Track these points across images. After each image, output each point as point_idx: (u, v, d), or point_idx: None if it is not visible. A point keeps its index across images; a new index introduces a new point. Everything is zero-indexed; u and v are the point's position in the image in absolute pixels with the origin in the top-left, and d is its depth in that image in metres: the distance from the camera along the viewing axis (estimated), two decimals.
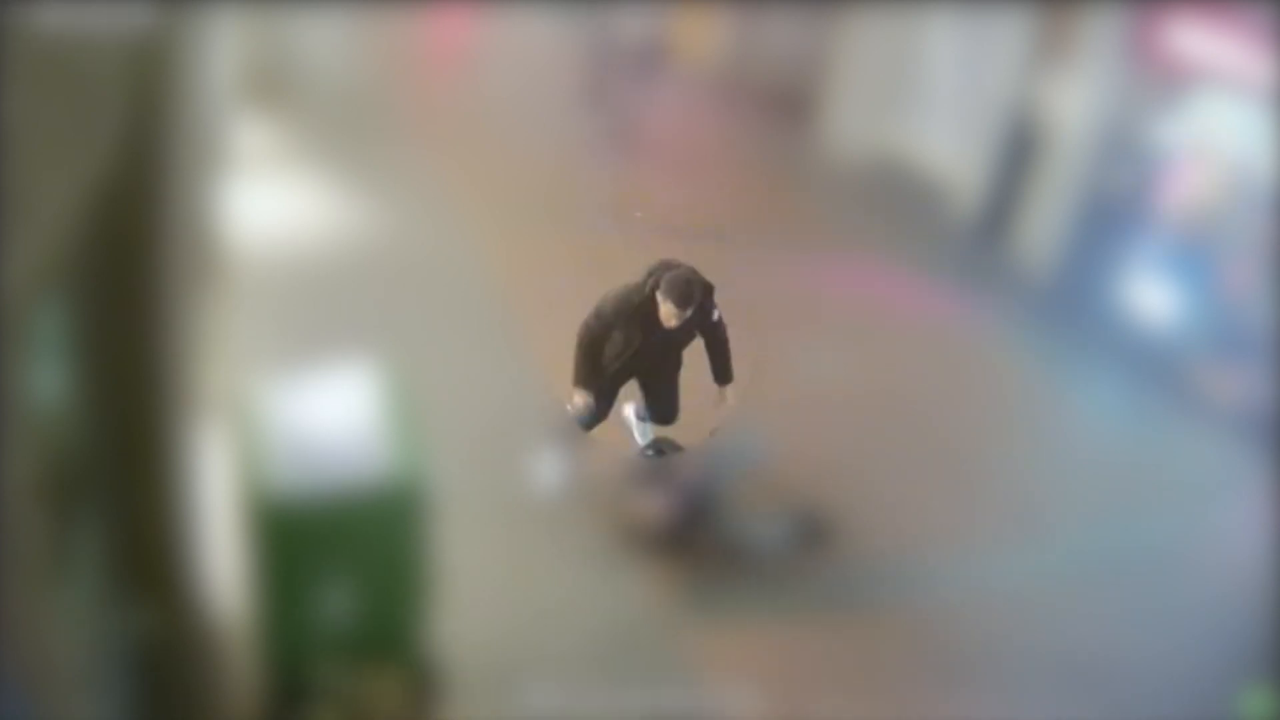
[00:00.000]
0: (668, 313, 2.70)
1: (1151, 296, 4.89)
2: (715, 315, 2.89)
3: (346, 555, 1.90)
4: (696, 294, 2.73)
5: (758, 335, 3.96)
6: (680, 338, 2.86)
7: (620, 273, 4.19)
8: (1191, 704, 2.76)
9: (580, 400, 2.79)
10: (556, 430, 3.20)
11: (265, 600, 1.88)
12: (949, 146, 5.80)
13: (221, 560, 2.41)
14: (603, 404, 2.88)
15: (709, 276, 4.32)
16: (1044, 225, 5.30)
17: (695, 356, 3.22)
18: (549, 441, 3.19)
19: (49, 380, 0.86)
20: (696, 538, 3.06)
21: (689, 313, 2.70)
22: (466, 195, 4.99)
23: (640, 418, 3.18)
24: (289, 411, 1.99)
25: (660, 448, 3.07)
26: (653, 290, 2.71)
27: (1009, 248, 5.26)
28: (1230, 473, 3.86)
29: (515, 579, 2.68)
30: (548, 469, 3.13)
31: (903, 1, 6.02)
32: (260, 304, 3.58)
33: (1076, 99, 5.31)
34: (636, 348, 2.81)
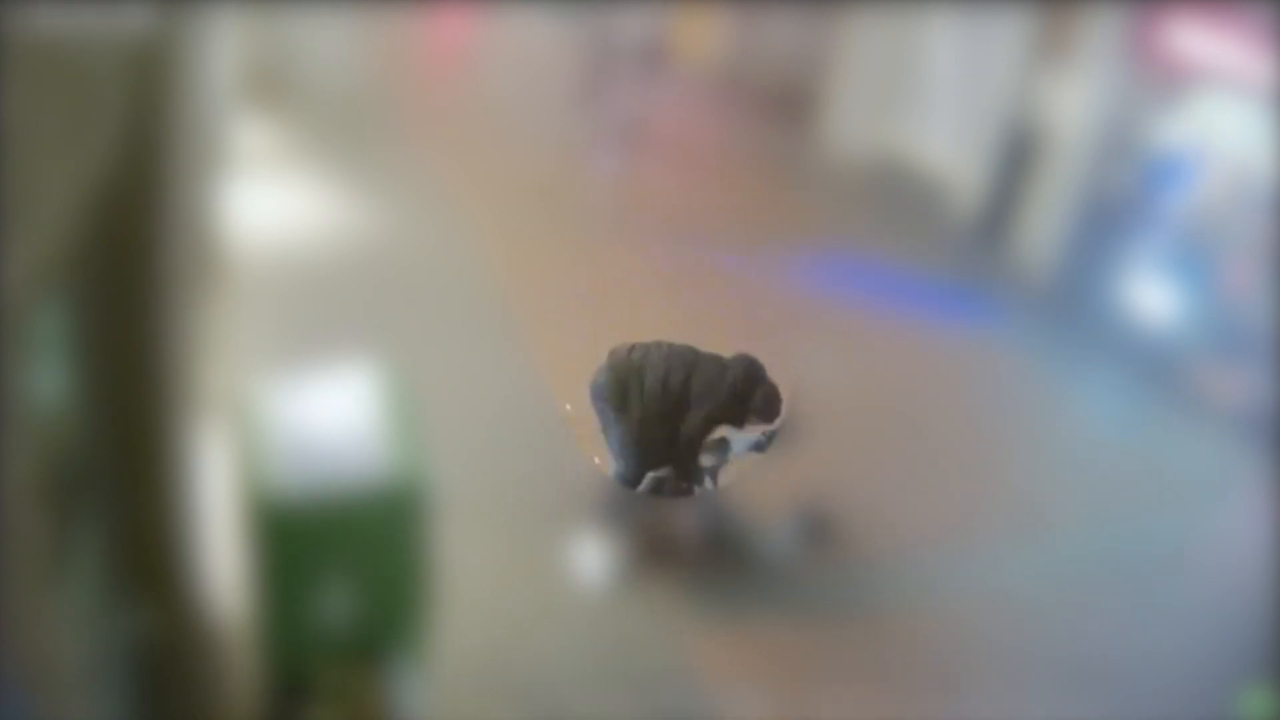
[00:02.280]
0: (751, 425, 2.56)
1: (1151, 296, 4.89)
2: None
3: (346, 555, 1.90)
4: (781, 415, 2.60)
5: (758, 335, 3.95)
6: None
7: (620, 273, 4.19)
8: (1191, 704, 2.76)
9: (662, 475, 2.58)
10: (600, 512, 2.90)
11: (265, 600, 1.88)
12: (949, 146, 5.81)
13: (221, 560, 2.41)
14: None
15: (709, 277, 4.33)
16: (1044, 225, 5.31)
17: None
18: (591, 524, 2.91)
19: (49, 380, 0.86)
20: (712, 545, 3.02)
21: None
22: (467, 195, 5.00)
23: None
24: (289, 411, 1.99)
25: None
26: (742, 391, 2.55)
27: (1009, 248, 5.27)
28: (1230, 473, 3.86)
29: (515, 579, 2.67)
30: (591, 557, 2.88)
31: (903, 1, 6.04)
32: (260, 304, 3.58)
33: (1076, 99, 5.31)
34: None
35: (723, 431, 2.70)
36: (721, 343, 3.83)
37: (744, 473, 2.98)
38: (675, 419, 2.64)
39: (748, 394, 2.62)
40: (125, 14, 1.07)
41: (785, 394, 2.80)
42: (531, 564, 2.71)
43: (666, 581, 2.77)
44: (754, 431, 2.70)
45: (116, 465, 1.39)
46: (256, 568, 1.83)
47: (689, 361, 2.75)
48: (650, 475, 2.66)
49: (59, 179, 0.80)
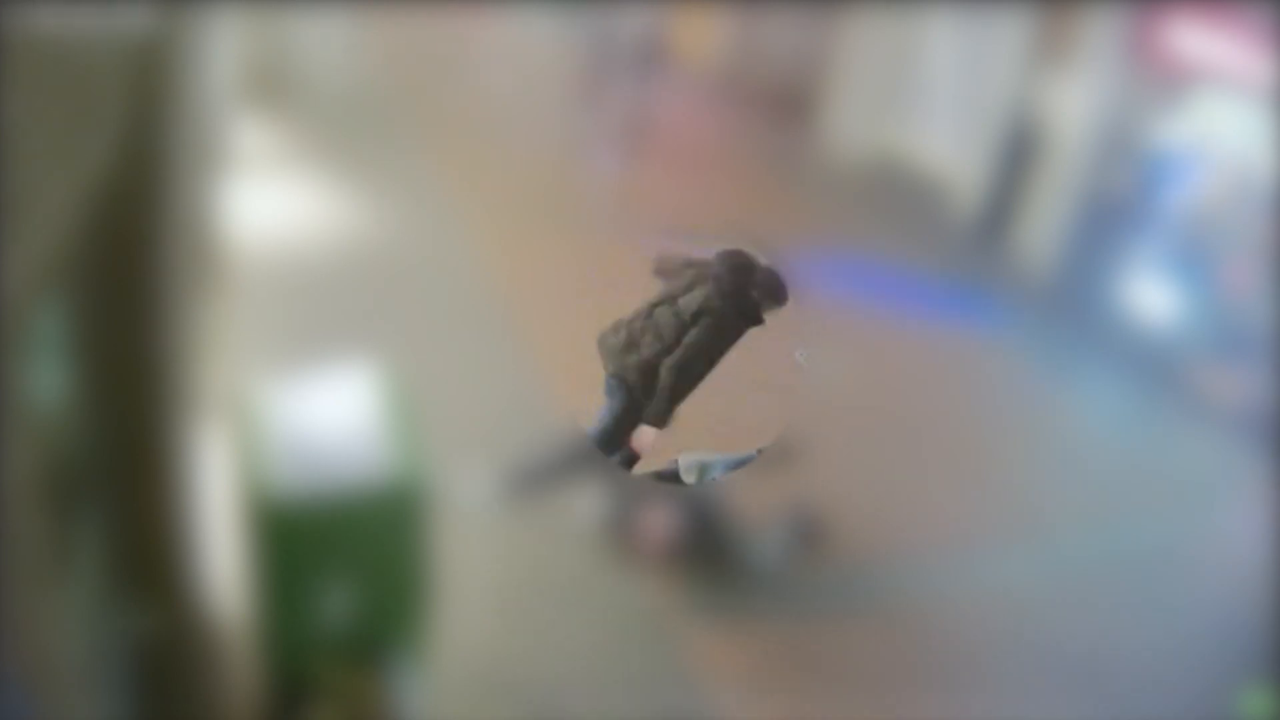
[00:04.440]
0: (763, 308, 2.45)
1: (1151, 296, 4.90)
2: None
3: (346, 555, 1.89)
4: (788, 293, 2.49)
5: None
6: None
7: (621, 272, 4.19)
8: (1191, 703, 2.76)
9: None
10: (592, 461, 2.87)
11: (265, 600, 1.87)
12: (949, 146, 5.81)
13: (221, 560, 2.41)
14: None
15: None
16: (1044, 225, 5.31)
17: None
18: (584, 474, 2.96)
19: (49, 380, 0.86)
20: (700, 545, 3.02)
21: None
22: (467, 195, 5.00)
23: None
24: (289, 411, 1.98)
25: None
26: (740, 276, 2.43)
27: (1009, 248, 5.26)
28: (1230, 473, 3.86)
29: (515, 579, 2.67)
30: (586, 504, 2.92)
31: (903, 1, 6.04)
32: (260, 304, 3.58)
33: (1076, 99, 5.31)
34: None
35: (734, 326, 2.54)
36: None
37: (737, 475, 2.99)
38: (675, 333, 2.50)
39: (747, 278, 2.50)
40: (125, 14, 1.07)
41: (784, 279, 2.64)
42: (532, 564, 2.71)
43: (657, 582, 2.77)
44: (767, 313, 2.55)
45: (116, 465, 1.39)
46: (256, 568, 1.83)
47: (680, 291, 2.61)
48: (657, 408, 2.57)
49: (59, 179, 0.80)
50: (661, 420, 2.50)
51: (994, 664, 2.73)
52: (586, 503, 2.90)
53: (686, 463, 2.67)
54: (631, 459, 2.58)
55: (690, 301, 2.57)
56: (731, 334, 2.52)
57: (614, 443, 2.59)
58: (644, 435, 2.50)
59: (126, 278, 1.28)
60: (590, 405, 3.18)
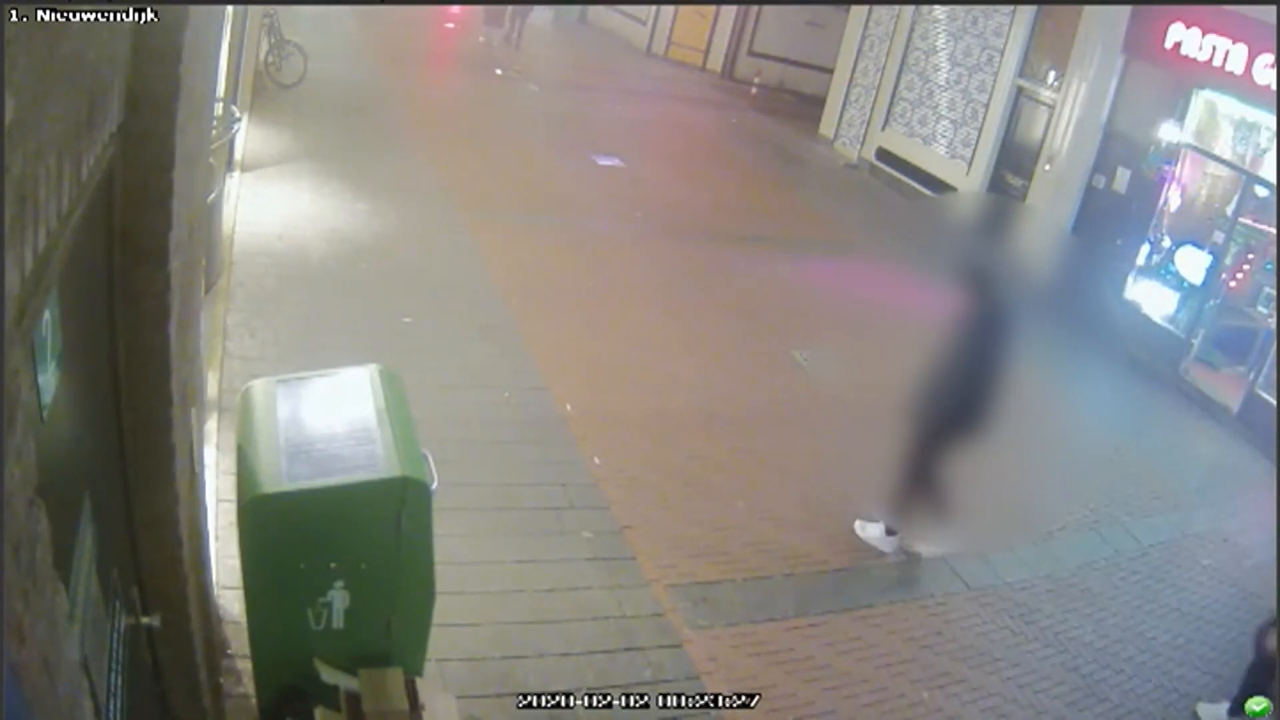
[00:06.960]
0: None
1: (1151, 296, 4.91)
2: None
3: (346, 556, 1.89)
4: None
5: (760, 332, 3.95)
6: None
7: (621, 271, 4.19)
8: (1191, 703, 2.77)
9: None
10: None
11: (265, 601, 1.87)
12: (949, 148, 5.82)
13: (221, 560, 2.41)
14: None
15: (709, 274, 4.24)
16: (1045, 224, 5.32)
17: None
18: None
19: (49, 380, 0.86)
20: None
21: None
22: (466, 195, 5.00)
23: None
24: (289, 411, 1.98)
25: None
26: None
27: (1009, 248, 5.25)
28: (1231, 472, 3.85)
29: (515, 579, 2.68)
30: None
31: (904, 1, 6.04)
32: (260, 304, 3.59)
33: (1076, 99, 5.33)
34: None
35: None
36: (722, 337, 3.83)
37: None
38: None
39: None
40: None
41: None
42: (532, 564, 2.72)
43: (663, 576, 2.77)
44: None
45: (116, 465, 1.39)
46: (256, 567, 1.83)
47: None
48: None
49: (59, 179, 0.80)
50: None
51: (995, 661, 2.73)
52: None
53: None
54: None
55: None
56: None
57: None
58: None
59: (126, 278, 1.28)
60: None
